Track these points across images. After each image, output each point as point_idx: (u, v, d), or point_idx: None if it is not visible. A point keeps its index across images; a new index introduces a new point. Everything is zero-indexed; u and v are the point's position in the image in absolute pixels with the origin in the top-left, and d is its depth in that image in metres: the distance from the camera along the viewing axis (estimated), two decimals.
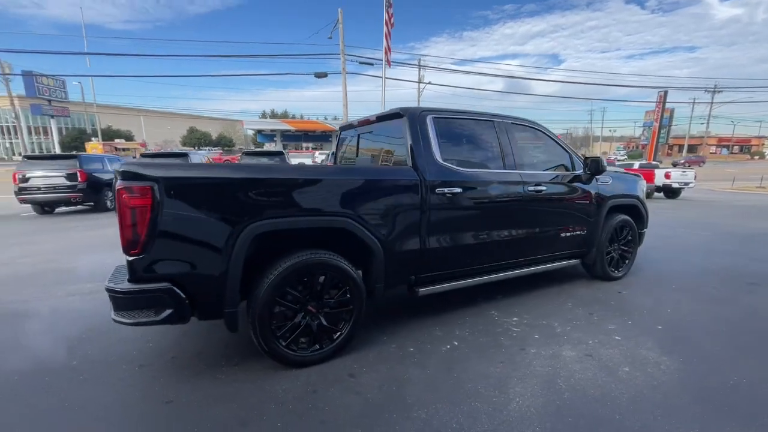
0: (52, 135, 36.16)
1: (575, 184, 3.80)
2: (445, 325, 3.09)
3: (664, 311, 3.38)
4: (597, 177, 3.92)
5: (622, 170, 4.96)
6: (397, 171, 2.86)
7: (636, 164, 15.18)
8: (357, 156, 3.96)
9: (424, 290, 2.96)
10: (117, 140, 41.37)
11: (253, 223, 2.20)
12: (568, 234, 3.82)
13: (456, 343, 2.79)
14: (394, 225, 2.72)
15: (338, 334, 2.54)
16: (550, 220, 3.69)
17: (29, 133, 40.06)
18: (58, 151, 33.66)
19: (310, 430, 1.87)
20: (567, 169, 3.82)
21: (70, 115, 37.50)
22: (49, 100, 33.47)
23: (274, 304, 2.30)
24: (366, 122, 3.63)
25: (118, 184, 1.97)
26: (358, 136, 3.93)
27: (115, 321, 2.06)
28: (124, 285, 2.04)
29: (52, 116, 34.42)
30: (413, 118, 2.98)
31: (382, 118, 3.37)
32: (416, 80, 31.86)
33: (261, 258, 2.37)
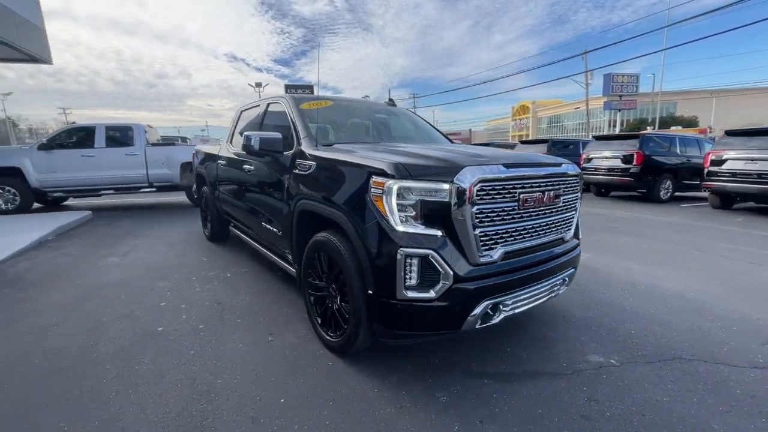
0: (614, 128, 41.71)
1: (264, 164, 3.16)
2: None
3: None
4: (301, 157, 2.73)
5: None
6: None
7: None
8: None
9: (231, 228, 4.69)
10: (673, 127, 39.60)
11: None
12: (267, 227, 3.23)
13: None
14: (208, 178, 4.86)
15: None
16: (253, 204, 3.49)
17: (602, 128, 48.26)
18: None
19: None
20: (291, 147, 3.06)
21: (637, 107, 40.56)
22: (620, 96, 38.74)
23: None
24: None
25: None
26: None
27: None
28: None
29: (619, 110, 39.59)
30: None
31: None
32: None
33: None
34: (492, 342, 2.59)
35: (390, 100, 4.17)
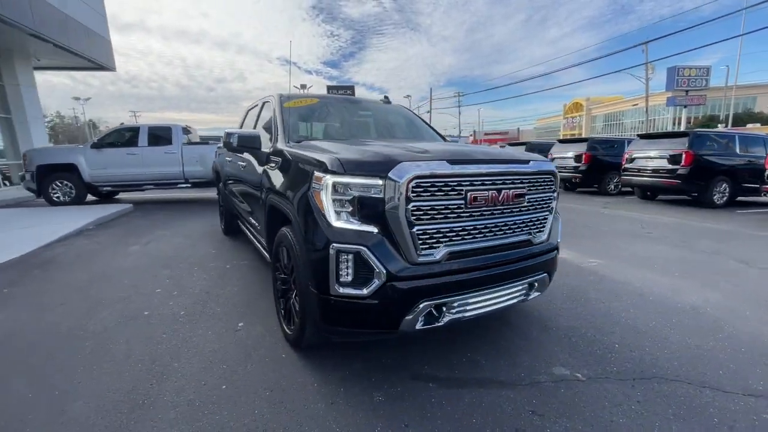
0: (679, 126, 38.13)
1: (250, 160, 3.29)
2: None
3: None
4: (274, 153, 2.80)
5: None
6: None
7: None
8: None
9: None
10: (750, 125, 35.21)
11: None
12: (252, 220, 3.36)
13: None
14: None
15: None
16: (245, 198, 3.64)
17: (665, 126, 43.75)
18: None
19: None
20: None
21: (706, 103, 36.57)
22: (686, 91, 35.30)
23: None
24: None
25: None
26: None
27: None
28: None
29: (685, 106, 36.14)
30: None
31: None
32: None
33: None
34: (453, 345, 2.50)
35: (385, 97, 4.13)
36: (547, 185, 2.38)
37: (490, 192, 2.05)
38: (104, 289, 3.49)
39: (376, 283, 1.85)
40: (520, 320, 2.88)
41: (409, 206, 1.86)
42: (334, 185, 1.90)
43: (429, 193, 1.90)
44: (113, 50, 15.42)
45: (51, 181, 8.16)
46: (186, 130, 9.37)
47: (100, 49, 14.30)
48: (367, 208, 1.89)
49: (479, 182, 2.02)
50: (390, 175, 1.84)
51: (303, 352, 2.40)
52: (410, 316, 1.91)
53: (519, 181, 2.19)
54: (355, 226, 1.89)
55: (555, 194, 2.45)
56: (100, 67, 14.99)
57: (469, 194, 1.98)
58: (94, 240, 5.36)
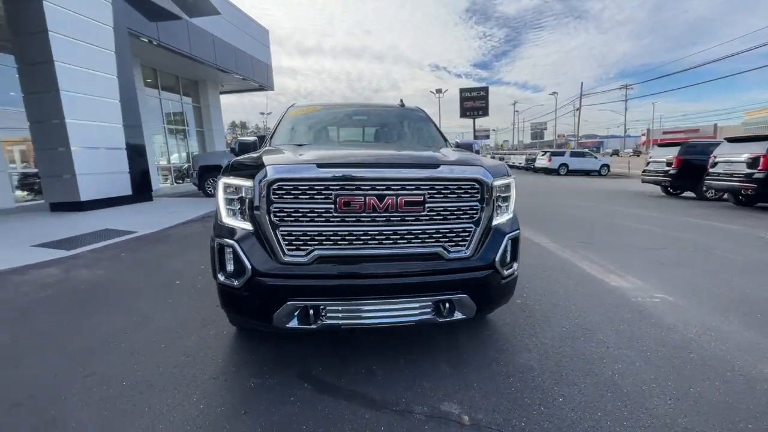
0: None
1: None
2: None
3: None
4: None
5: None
6: None
7: None
8: None
9: None
10: None
11: None
12: None
13: None
14: None
15: None
16: None
17: None
18: None
19: None
20: None
21: None
22: None
23: None
24: None
25: None
26: None
27: None
28: None
29: None
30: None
31: None
32: None
33: None
34: (372, 353, 2.42)
35: (401, 101, 4.12)
36: (468, 194, 2.07)
37: (368, 198, 1.95)
38: (173, 261, 4.56)
39: (245, 276, 2.02)
40: (472, 345, 2.54)
41: (272, 207, 1.95)
42: (223, 185, 2.15)
43: (292, 196, 1.95)
44: (286, 72, 19.01)
45: (206, 178, 10.73)
46: None
47: (262, 72, 17.82)
48: (246, 207, 2.07)
49: (353, 187, 1.95)
50: (256, 177, 1.98)
51: (245, 332, 2.70)
52: (278, 312, 2.00)
53: (414, 187, 1.99)
54: (235, 223, 2.10)
55: (482, 204, 2.10)
56: (261, 88, 18.70)
57: (338, 199, 1.94)
58: (205, 224, 6.90)
